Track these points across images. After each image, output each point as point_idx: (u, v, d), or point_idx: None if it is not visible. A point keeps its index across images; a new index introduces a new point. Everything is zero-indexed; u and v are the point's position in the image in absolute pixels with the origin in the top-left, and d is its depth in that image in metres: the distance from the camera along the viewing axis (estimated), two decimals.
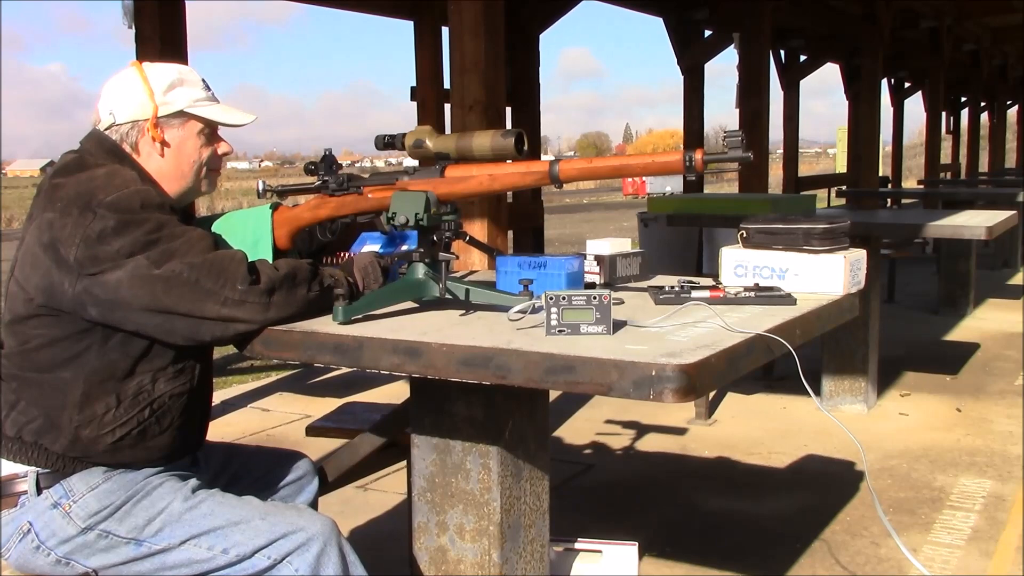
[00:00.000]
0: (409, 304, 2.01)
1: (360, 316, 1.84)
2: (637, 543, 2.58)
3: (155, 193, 1.82)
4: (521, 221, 7.13)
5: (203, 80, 1.97)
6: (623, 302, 2.02)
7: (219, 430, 4.34)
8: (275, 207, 2.10)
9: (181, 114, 1.90)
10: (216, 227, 2.03)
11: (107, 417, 1.78)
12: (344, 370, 5.48)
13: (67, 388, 1.78)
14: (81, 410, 1.78)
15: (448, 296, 1.90)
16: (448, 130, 4.23)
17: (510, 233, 6.12)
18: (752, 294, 1.99)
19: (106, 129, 1.89)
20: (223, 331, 1.75)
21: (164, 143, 1.90)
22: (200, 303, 1.72)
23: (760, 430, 4.47)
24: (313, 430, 3.16)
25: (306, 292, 1.82)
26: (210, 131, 1.95)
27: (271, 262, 1.87)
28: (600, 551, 2.57)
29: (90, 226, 1.71)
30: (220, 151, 1.98)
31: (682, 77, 8.91)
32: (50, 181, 1.82)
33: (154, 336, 1.77)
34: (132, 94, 1.89)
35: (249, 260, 1.79)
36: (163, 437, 1.85)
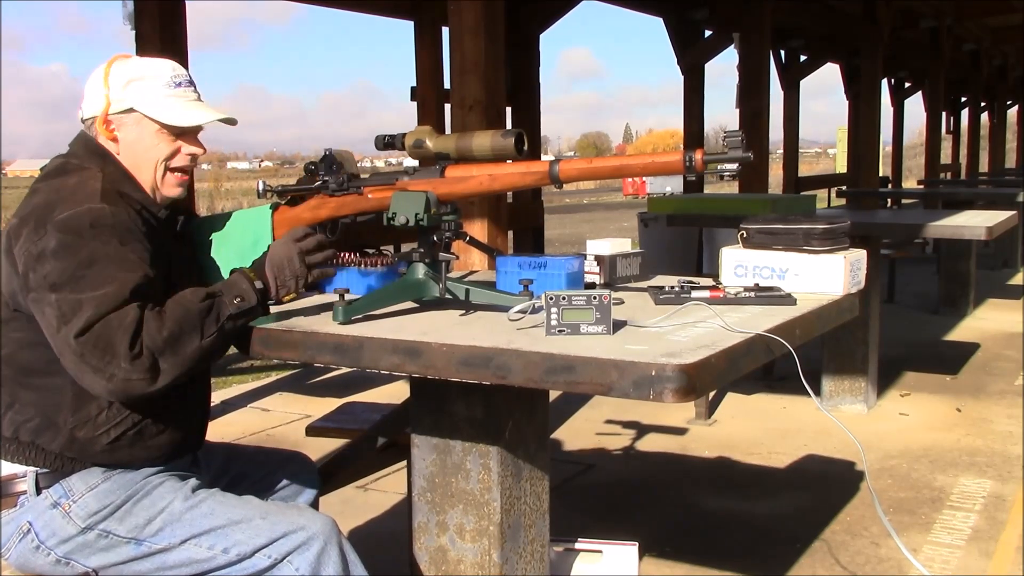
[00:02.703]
0: (409, 304, 2.01)
1: (360, 316, 1.84)
2: (637, 543, 2.58)
3: (110, 212, 1.74)
4: (521, 221, 7.13)
5: (177, 76, 1.89)
6: (623, 302, 2.02)
7: (219, 430, 4.34)
8: (275, 207, 2.10)
9: (132, 111, 1.86)
10: (216, 227, 2.03)
11: (101, 418, 1.78)
12: (344, 370, 5.48)
13: (58, 390, 1.78)
14: (75, 411, 1.77)
15: (448, 296, 1.90)
16: (448, 130, 4.23)
17: (510, 233, 6.12)
18: (752, 294, 1.99)
19: (83, 123, 1.90)
20: (120, 398, 1.71)
21: (115, 140, 1.87)
22: (88, 376, 1.66)
23: (760, 430, 4.47)
24: (313, 430, 3.15)
25: (199, 342, 1.69)
26: (176, 130, 1.88)
27: (164, 314, 1.70)
28: (600, 551, 2.57)
29: (38, 243, 1.70)
30: (186, 151, 1.91)
31: (682, 77, 8.91)
32: (33, 185, 1.83)
33: None
34: (94, 90, 1.88)
35: (140, 320, 1.65)
36: (161, 436, 1.85)
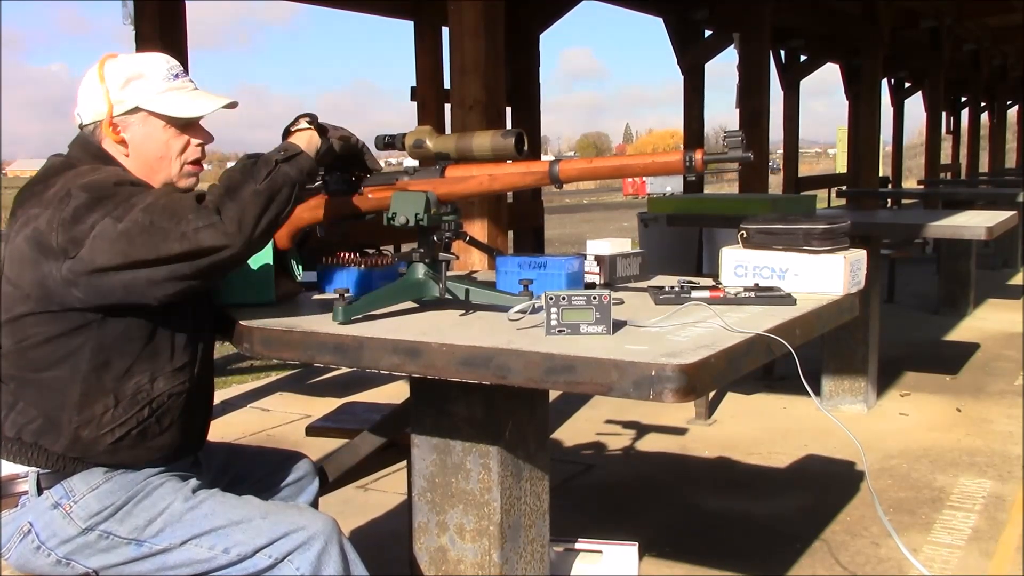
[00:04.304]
0: (409, 304, 2.01)
1: (360, 316, 1.84)
2: (637, 543, 2.58)
3: (131, 177, 1.79)
4: (521, 221, 7.13)
5: (172, 68, 1.88)
6: (623, 302, 2.02)
7: (219, 430, 4.33)
8: None
9: (138, 110, 1.85)
10: None
11: (106, 417, 1.78)
12: (344, 370, 5.48)
13: (64, 388, 1.77)
14: (80, 411, 1.77)
15: (448, 296, 1.91)
16: (448, 130, 4.23)
17: (510, 233, 6.12)
18: (752, 294, 1.99)
19: (81, 130, 1.88)
20: (197, 266, 1.67)
21: (123, 143, 1.85)
22: (164, 244, 1.65)
23: (760, 430, 4.47)
24: (313, 430, 3.15)
25: (254, 186, 1.70)
26: (182, 122, 1.87)
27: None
28: (600, 551, 2.57)
29: (66, 209, 1.69)
30: (195, 142, 1.90)
31: (682, 77, 8.92)
32: (38, 185, 1.79)
33: (146, 294, 1.70)
34: (91, 94, 1.85)
35: (202, 192, 1.73)
36: (164, 437, 1.85)
